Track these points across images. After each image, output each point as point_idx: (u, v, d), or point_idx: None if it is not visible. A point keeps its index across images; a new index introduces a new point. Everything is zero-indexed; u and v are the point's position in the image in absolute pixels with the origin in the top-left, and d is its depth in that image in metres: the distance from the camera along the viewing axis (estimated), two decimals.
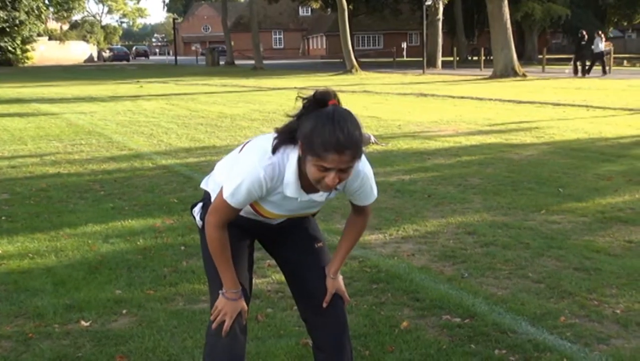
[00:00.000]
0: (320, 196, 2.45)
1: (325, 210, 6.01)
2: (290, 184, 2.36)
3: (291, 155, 2.34)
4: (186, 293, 4.37)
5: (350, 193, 2.52)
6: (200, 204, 2.65)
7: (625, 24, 71.60)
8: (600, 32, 31.04)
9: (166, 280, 4.62)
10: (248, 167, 2.34)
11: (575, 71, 29.76)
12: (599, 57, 29.82)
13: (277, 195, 2.42)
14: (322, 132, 2.16)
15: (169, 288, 4.48)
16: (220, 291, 2.53)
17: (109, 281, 4.62)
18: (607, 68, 29.97)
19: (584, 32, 30.23)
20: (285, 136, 2.33)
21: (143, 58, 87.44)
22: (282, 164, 2.35)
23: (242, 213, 2.53)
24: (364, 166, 2.43)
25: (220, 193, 2.42)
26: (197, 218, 2.64)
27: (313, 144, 2.18)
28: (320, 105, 2.25)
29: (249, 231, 2.67)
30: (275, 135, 2.36)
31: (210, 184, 2.67)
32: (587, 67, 29.45)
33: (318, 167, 2.21)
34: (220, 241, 2.46)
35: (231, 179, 2.37)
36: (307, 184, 2.38)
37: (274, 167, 2.33)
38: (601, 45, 29.70)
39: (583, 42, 29.74)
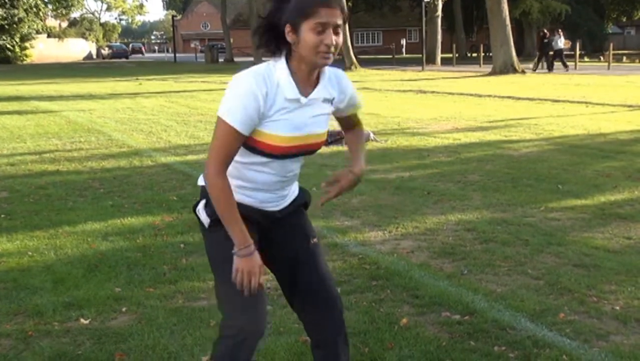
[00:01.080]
0: (323, 103, 2.42)
1: (326, 208, 6.01)
2: (284, 82, 2.30)
3: (277, 61, 2.32)
4: (186, 291, 4.37)
5: (348, 99, 2.55)
6: (203, 202, 2.49)
7: (624, 20, 71.55)
8: (559, 31, 32.75)
9: (166, 278, 4.62)
10: (236, 84, 2.28)
11: (548, 68, 31.59)
12: (559, 54, 31.79)
13: (279, 110, 2.31)
14: None
15: (168, 285, 4.48)
16: (232, 253, 2.35)
17: (108, 278, 4.62)
18: (567, 64, 31.59)
19: (546, 31, 32.25)
20: (270, 50, 2.33)
21: (139, 55, 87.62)
22: (270, 69, 2.32)
23: (249, 201, 2.46)
24: None
25: (217, 127, 2.28)
26: (203, 215, 2.47)
27: (304, 6, 2.20)
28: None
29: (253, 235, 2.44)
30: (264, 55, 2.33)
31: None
32: (550, 63, 31.71)
33: (314, 30, 2.21)
34: (224, 191, 2.30)
35: (223, 105, 2.27)
36: (302, 82, 2.35)
37: (261, 73, 2.30)
38: (560, 43, 31.77)
39: (545, 41, 31.82)
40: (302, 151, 2.43)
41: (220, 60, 55.52)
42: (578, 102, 16.47)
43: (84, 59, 77.21)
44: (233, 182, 2.39)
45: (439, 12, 43.86)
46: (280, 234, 2.62)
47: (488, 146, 10.07)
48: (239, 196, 2.42)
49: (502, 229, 5.66)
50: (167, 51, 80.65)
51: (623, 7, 64.68)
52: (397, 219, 6.03)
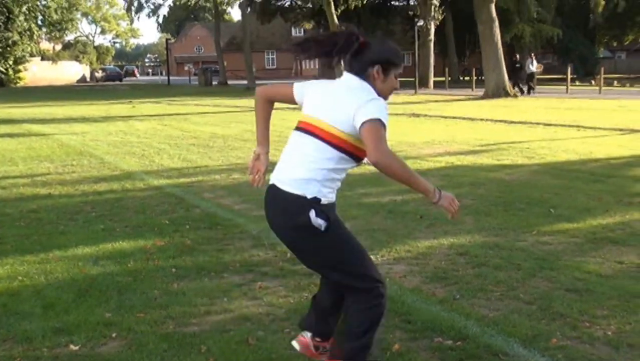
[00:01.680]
0: None
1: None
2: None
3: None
4: (177, 316, 4.34)
5: None
6: (313, 212, 2.98)
7: (615, 44, 72.20)
8: (531, 55, 34.49)
9: (156, 303, 4.59)
10: (376, 100, 2.96)
11: (521, 91, 32.40)
12: (530, 78, 33.00)
13: None
14: (395, 50, 3.13)
15: (159, 310, 4.45)
16: (433, 201, 3.11)
17: (98, 304, 4.59)
18: (534, 88, 33.03)
19: (517, 56, 33.81)
20: (350, 69, 3.09)
21: (133, 78, 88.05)
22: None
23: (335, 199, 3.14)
24: None
25: (376, 123, 2.86)
26: (320, 221, 2.98)
27: (396, 59, 3.11)
28: (360, 43, 3.05)
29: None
30: (354, 76, 3.06)
31: (314, 187, 3.01)
32: (526, 87, 32.67)
33: (397, 76, 3.13)
34: (402, 163, 2.97)
35: (377, 112, 2.89)
36: None
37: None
38: (532, 66, 33.17)
39: (517, 65, 33.37)
40: None
41: (214, 83, 55.68)
42: (570, 126, 16.55)
43: (78, 81, 77.32)
44: (332, 187, 3.07)
45: (432, 36, 44.20)
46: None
47: (480, 169, 10.09)
48: (332, 197, 3.09)
49: (494, 253, 5.66)
50: (161, 74, 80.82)
51: (614, 31, 65.27)
52: (390, 243, 6.02)
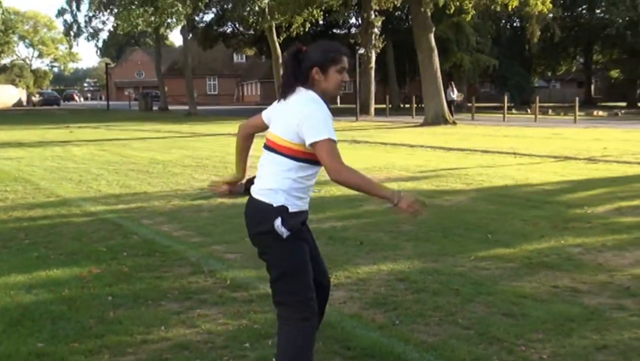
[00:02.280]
0: None
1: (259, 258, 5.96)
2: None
3: (312, 92, 3.27)
4: (112, 345, 4.24)
5: None
6: (279, 219, 3.18)
7: (549, 74, 74.41)
8: (452, 84, 37.35)
9: (91, 332, 4.48)
10: (318, 111, 3.19)
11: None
12: (451, 105, 34.32)
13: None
14: (332, 47, 3.32)
15: (94, 340, 4.34)
16: (392, 206, 3.15)
17: (31, 333, 4.45)
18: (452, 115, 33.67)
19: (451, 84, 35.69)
20: (294, 83, 3.27)
21: (74, 102, 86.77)
22: (314, 96, 3.26)
23: (305, 207, 3.33)
24: None
25: (321, 143, 3.12)
26: (283, 229, 3.17)
27: (330, 57, 3.25)
28: (299, 51, 3.29)
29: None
30: (299, 87, 3.27)
31: (280, 196, 3.21)
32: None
33: (340, 70, 3.27)
34: (359, 175, 3.20)
35: (320, 127, 3.14)
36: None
37: (317, 98, 3.26)
38: (453, 95, 36.04)
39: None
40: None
41: (155, 108, 55.20)
42: (506, 153, 16.92)
43: (14, 105, 75.69)
44: (300, 195, 3.25)
45: (373, 64, 44.74)
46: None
47: (420, 195, 10.19)
48: (301, 204, 3.28)
49: (433, 279, 5.71)
50: (100, 99, 79.75)
51: (548, 61, 67.32)
52: (330, 269, 5.98)
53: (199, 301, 5.16)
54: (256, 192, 3.29)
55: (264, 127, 3.52)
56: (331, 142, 3.13)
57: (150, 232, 7.74)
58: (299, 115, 3.17)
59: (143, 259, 6.46)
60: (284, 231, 3.17)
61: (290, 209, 3.20)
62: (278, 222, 3.17)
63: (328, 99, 3.34)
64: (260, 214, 3.23)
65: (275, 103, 3.45)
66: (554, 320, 4.64)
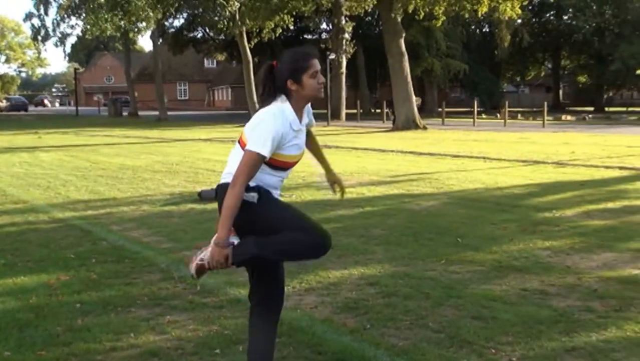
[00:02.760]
0: (302, 125, 3.48)
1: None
2: (292, 118, 3.36)
3: (283, 103, 3.37)
4: (80, 353, 4.19)
5: (309, 120, 3.64)
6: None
7: (518, 79, 75.22)
8: None
9: (59, 340, 4.42)
10: (266, 124, 3.28)
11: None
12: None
13: (292, 138, 3.37)
14: (299, 55, 3.39)
15: (62, 348, 4.28)
16: (214, 242, 3.25)
17: None
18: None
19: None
20: (272, 98, 3.38)
21: (45, 108, 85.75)
22: (282, 110, 3.34)
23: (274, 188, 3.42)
24: None
25: (249, 152, 3.24)
26: (249, 197, 3.27)
27: (301, 64, 3.34)
28: (273, 68, 3.40)
29: None
30: (266, 102, 3.38)
31: (227, 177, 3.34)
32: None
33: (313, 75, 3.35)
34: (240, 199, 3.21)
35: (258, 137, 3.25)
36: (298, 115, 3.43)
37: (279, 115, 3.31)
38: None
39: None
40: (298, 161, 3.53)
41: (124, 113, 54.79)
42: (476, 157, 17.05)
43: None
44: (266, 184, 3.36)
45: (344, 69, 44.91)
46: None
47: (390, 200, 10.24)
48: (271, 190, 3.40)
49: (404, 283, 5.72)
50: (69, 104, 78.92)
51: (517, 67, 68.08)
52: (301, 274, 6.01)
53: (169, 307, 5.12)
54: (222, 177, 3.44)
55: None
56: (256, 156, 3.24)
57: (119, 238, 7.67)
58: (249, 125, 3.36)
59: (112, 265, 6.40)
60: (253, 196, 3.29)
61: (251, 184, 3.30)
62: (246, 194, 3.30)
63: (312, 101, 3.49)
64: (225, 192, 3.28)
65: None
66: (523, 322, 4.68)
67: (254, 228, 3.32)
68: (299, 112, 3.44)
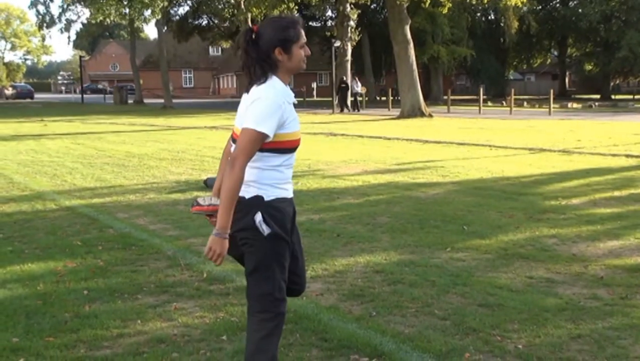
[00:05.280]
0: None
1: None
2: (287, 92, 3.15)
3: (273, 78, 3.13)
4: (88, 340, 4.22)
5: None
6: (259, 216, 3.08)
7: (524, 67, 74.85)
8: (356, 78, 40.74)
9: (67, 326, 4.45)
10: (265, 101, 3.02)
11: (341, 110, 37.47)
12: (356, 97, 38.90)
13: (290, 112, 3.13)
14: (287, 23, 3.15)
15: (69, 334, 4.31)
16: (214, 233, 3.01)
17: (5, 328, 4.41)
18: (359, 106, 38.76)
19: (344, 78, 38.50)
20: (263, 74, 3.11)
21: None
22: (274, 82, 3.13)
23: (288, 195, 3.22)
24: None
25: (247, 131, 3.00)
26: (264, 227, 3.08)
27: (292, 34, 3.13)
28: (252, 32, 3.15)
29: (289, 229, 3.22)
30: (259, 80, 3.11)
31: (252, 188, 3.10)
32: (351, 105, 38.06)
33: (301, 46, 3.17)
34: (241, 182, 3.00)
35: (258, 114, 3.00)
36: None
37: (279, 88, 3.11)
38: (357, 87, 39.22)
39: (343, 85, 38.24)
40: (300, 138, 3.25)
41: (130, 101, 54.78)
42: (482, 145, 17.01)
43: None
44: (275, 183, 3.13)
45: (349, 57, 44.68)
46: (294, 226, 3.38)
47: (396, 188, 10.24)
48: (279, 192, 3.15)
49: (409, 270, 5.73)
50: (75, 92, 78.91)
51: (523, 54, 67.74)
52: (307, 261, 6.00)
53: (175, 294, 5.14)
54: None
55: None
56: (255, 134, 2.99)
57: (126, 225, 7.69)
58: (247, 104, 3.10)
59: (119, 253, 6.43)
60: (265, 229, 3.07)
61: (266, 198, 3.09)
62: (259, 217, 3.07)
63: (290, 76, 3.32)
64: (236, 209, 3.03)
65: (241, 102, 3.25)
66: (529, 310, 4.69)
67: (250, 253, 3.15)
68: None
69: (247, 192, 3.08)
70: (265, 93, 3.04)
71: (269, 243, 3.09)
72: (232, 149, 3.14)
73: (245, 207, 3.07)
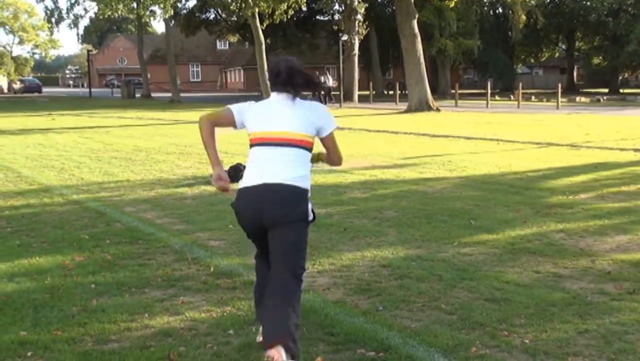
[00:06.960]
0: None
1: (242, 246, 5.92)
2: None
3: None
4: (95, 333, 4.23)
5: None
6: (310, 205, 3.77)
7: (532, 61, 74.60)
8: (327, 72, 43.29)
9: (74, 320, 4.47)
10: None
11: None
12: (328, 91, 39.00)
13: None
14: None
15: (77, 328, 4.33)
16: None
17: (13, 322, 4.43)
18: (329, 99, 38.93)
19: (317, 72, 37.39)
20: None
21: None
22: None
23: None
24: None
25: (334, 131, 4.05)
26: (312, 215, 3.79)
27: None
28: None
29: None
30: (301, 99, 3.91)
31: (307, 182, 3.76)
32: (323, 98, 37.44)
33: None
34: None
35: (334, 123, 4.11)
36: None
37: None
38: (328, 81, 39.39)
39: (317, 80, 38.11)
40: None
41: (137, 95, 54.85)
42: (490, 139, 16.98)
43: None
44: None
45: (356, 51, 44.66)
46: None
47: (403, 182, 10.23)
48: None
49: (416, 265, 5.73)
50: (82, 86, 78.99)
51: (530, 48, 67.50)
52: (314, 255, 6.02)
53: (182, 288, 5.16)
54: (288, 179, 3.63)
55: (232, 124, 3.87)
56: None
57: (133, 220, 7.71)
58: (321, 116, 3.96)
59: (126, 247, 6.44)
60: (312, 216, 3.76)
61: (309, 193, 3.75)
62: (311, 206, 3.76)
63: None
64: (298, 197, 3.63)
65: (252, 104, 3.89)
66: (536, 304, 4.68)
67: (298, 235, 3.70)
68: None
69: (306, 184, 3.73)
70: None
71: (308, 227, 3.80)
72: (287, 151, 3.74)
73: (304, 196, 3.69)
